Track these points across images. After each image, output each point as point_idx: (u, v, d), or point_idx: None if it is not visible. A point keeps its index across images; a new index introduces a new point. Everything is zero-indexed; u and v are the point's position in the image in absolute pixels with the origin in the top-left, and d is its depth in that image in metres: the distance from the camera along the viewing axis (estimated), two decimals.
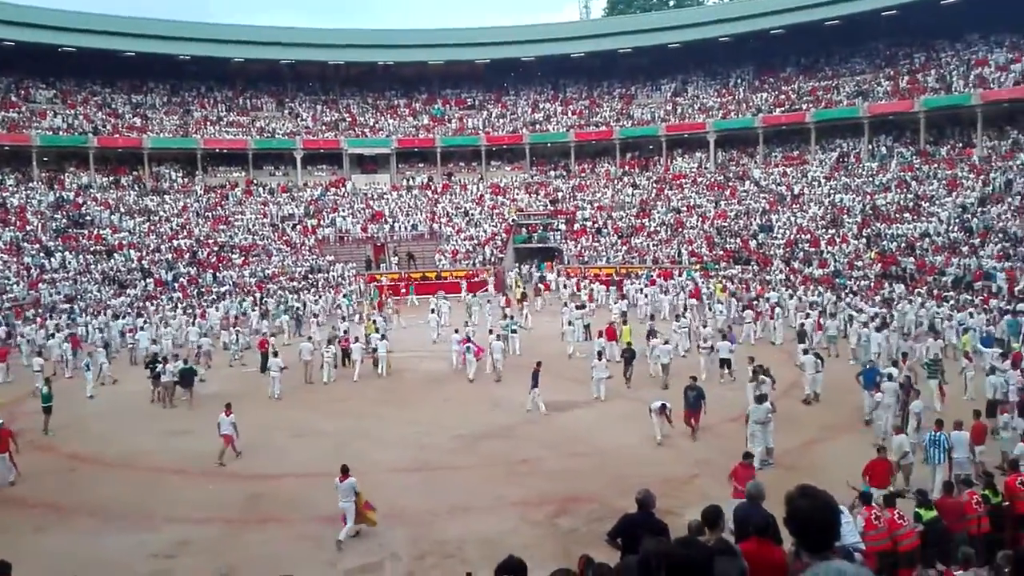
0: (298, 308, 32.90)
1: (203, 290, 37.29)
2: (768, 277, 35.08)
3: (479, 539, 11.62)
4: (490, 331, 24.63)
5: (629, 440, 16.28)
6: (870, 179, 41.47)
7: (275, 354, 22.36)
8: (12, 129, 44.42)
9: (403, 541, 11.86)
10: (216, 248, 42.36)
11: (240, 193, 49.62)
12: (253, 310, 32.41)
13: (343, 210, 48.98)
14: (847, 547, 6.26)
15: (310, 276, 40.87)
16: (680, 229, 43.57)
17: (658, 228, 44.38)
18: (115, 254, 39.26)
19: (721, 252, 40.05)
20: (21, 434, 16.33)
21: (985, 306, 25.27)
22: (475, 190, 52.37)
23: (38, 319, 29.86)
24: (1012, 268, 28.70)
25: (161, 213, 45.19)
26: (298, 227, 46.77)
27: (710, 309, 29.35)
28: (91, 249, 39.31)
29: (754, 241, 39.99)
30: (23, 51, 45.22)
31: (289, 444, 16.93)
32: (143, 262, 39.05)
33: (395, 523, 12.34)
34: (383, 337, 24.42)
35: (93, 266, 37.84)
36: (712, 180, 48.14)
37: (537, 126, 54.37)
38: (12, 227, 39.28)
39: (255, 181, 50.92)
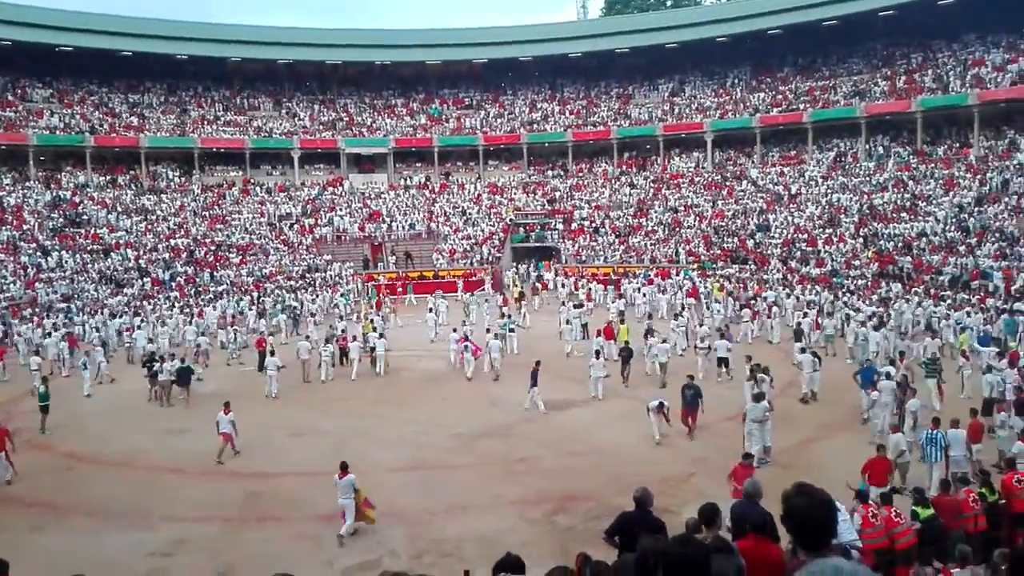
0: (295, 307, 32.89)
1: (200, 289, 37.26)
2: (765, 276, 35.13)
3: (477, 537, 11.63)
4: (487, 330, 24.66)
5: (626, 439, 16.30)
6: (867, 179, 41.53)
7: (272, 353, 22.35)
8: (9, 128, 44.31)
9: (401, 539, 11.88)
10: (213, 247, 42.31)
11: (237, 192, 49.55)
12: (250, 309, 32.39)
13: (340, 209, 48.93)
14: (844, 545, 6.29)
15: (307, 275, 40.85)
16: (677, 229, 43.61)
17: (655, 228, 44.41)
18: (112, 253, 39.21)
19: (718, 251, 40.10)
20: (18, 433, 16.33)
21: (982, 305, 25.33)
22: (472, 190, 52.34)
23: (35, 318, 29.85)
24: (1009, 267, 28.77)
25: (158, 212, 45.13)
26: (295, 226, 46.73)
27: (708, 308, 29.40)
28: (88, 248, 39.25)
29: (751, 240, 40.04)
30: (20, 50, 45.14)
31: (287, 443, 16.93)
32: (140, 261, 39.00)
33: (393, 522, 12.35)
34: (381, 336, 24.44)
35: (90, 265, 37.79)
36: (709, 180, 48.17)
37: (535, 126, 54.36)
38: (9, 226, 39.19)
39: (252, 180, 50.85)
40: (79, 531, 12.51)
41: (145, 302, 34.06)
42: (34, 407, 18.52)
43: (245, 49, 51.10)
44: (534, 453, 15.74)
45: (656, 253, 41.74)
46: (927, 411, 15.60)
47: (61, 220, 41.51)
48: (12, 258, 36.32)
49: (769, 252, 38.21)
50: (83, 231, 40.93)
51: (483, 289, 38.06)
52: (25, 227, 39.74)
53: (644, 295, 32.82)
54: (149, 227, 43.06)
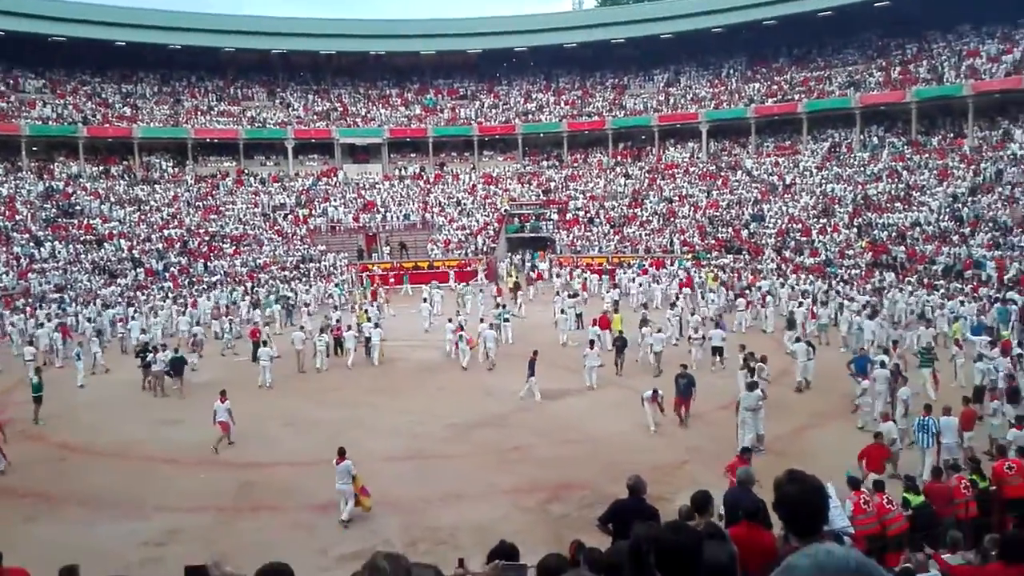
0: (289, 298, 32.82)
1: (194, 280, 37.14)
2: (760, 266, 35.18)
3: (471, 526, 11.67)
4: (481, 320, 24.66)
5: (620, 427, 16.35)
6: (861, 169, 41.59)
7: (265, 343, 22.31)
8: (1, 119, 44.02)
9: (396, 528, 11.91)
10: (207, 238, 42.16)
11: (231, 183, 49.35)
12: (243, 300, 32.30)
13: (335, 200, 48.77)
14: (836, 531, 6.31)
15: (301, 266, 40.74)
16: (672, 219, 43.61)
17: (650, 218, 44.41)
18: (105, 244, 39.05)
19: (713, 241, 40.12)
20: (11, 423, 16.32)
21: (975, 294, 25.44)
22: (467, 180, 52.21)
23: (28, 308, 29.71)
24: (1002, 257, 28.90)
25: (152, 203, 44.94)
26: (289, 217, 46.56)
27: (702, 298, 29.43)
28: (81, 239, 39.10)
29: (746, 231, 40.07)
30: (12, 40, 44.72)
31: (281, 433, 16.93)
32: (134, 252, 38.86)
33: (388, 510, 12.38)
34: (376, 325, 24.43)
35: (83, 256, 37.62)
36: (704, 170, 48.16)
37: (530, 116, 54.22)
38: (1, 216, 39.01)
39: (246, 171, 50.66)
40: (72, 521, 12.49)
41: (138, 292, 33.94)
42: (27, 398, 18.42)
43: (239, 39, 50.80)
44: (528, 442, 15.77)
45: (651, 243, 41.74)
46: (921, 399, 15.66)
47: (54, 210, 41.30)
48: (5, 248, 36.14)
49: (763, 242, 38.26)
50: (76, 221, 40.75)
51: (477, 279, 38.04)
52: (18, 217, 39.54)
53: (639, 285, 32.85)
54: (142, 217, 42.89)
